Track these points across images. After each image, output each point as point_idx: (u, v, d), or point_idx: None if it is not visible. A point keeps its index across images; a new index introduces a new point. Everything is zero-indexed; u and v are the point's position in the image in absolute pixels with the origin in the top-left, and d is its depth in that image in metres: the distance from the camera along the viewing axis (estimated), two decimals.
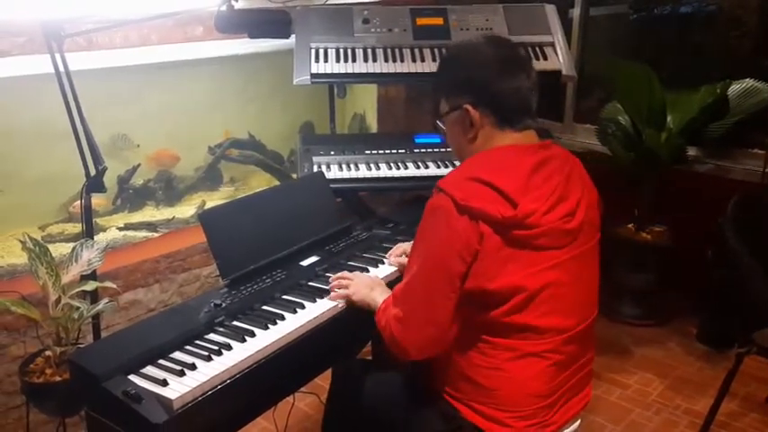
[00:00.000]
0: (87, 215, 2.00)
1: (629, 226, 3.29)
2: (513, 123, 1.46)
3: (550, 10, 2.77)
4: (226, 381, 1.45)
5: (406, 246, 1.93)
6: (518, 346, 1.40)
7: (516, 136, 1.46)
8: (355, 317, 1.69)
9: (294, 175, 3.46)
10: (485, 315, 1.39)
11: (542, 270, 1.38)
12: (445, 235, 1.36)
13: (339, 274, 1.78)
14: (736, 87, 3.02)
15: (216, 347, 1.52)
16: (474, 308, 1.39)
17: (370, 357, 2.36)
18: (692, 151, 3.18)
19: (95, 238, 2.08)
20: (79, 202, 1.98)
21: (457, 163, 1.83)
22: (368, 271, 1.90)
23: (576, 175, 1.49)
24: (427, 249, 1.41)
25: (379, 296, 1.62)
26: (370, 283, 1.71)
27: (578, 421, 1.56)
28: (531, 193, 1.37)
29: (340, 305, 1.71)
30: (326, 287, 1.80)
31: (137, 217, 3.04)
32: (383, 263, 1.96)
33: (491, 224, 1.33)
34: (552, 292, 1.39)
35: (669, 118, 3.12)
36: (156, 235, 2.99)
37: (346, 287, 1.71)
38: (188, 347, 1.53)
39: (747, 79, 3.02)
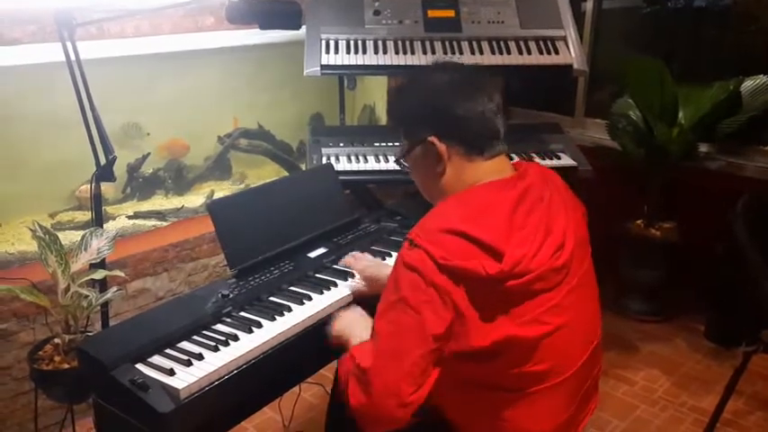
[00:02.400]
0: (97, 204, 2.01)
1: (638, 222, 3.27)
2: (483, 151, 1.36)
3: (563, 3, 2.75)
4: (232, 371, 1.45)
5: (365, 263, 1.79)
6: (520, 395, 1.32)
7: (488, 166, 1.37)
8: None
9: (303, 166, 3.47)
10: (481, 371, 1.30)
11: (539, 315, 1.28)
12: (423, 296, 1.23)
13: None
14: (749, 84, 3.00)
15: (223, 338, 1.52)
16: (469, 366, 1.29)
17: None
18: (703, 148, 3.16)
19: (105, 226, 2.09)
20: (85, 185, 1.99)
21: None
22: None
23: (556, 195, 1.40)
24: (401, 310, 1.25)
25: (355, 333, 1.48)
26: (352, 321, 1.56)
27: None
28: (515, 235, 1.26)
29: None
30: (333, 279, 1.80)
31: (146, 206, 3.05)
32: (390, 255, 1.96)
33: (475, 282, 1.22)
34: (553, 337, 1.29)
35: (681, 114, 3.10)
36: (165, 224, 3.00)
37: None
38: (195, 337, 1.54)
39: (761, 76, 3.00)
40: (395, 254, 1.94)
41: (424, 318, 1.23)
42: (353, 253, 1.83)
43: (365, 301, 1.70)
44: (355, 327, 1.52)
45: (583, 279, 1.38)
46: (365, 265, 1.77)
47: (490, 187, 1.34)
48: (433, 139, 1.36)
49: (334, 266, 1.89)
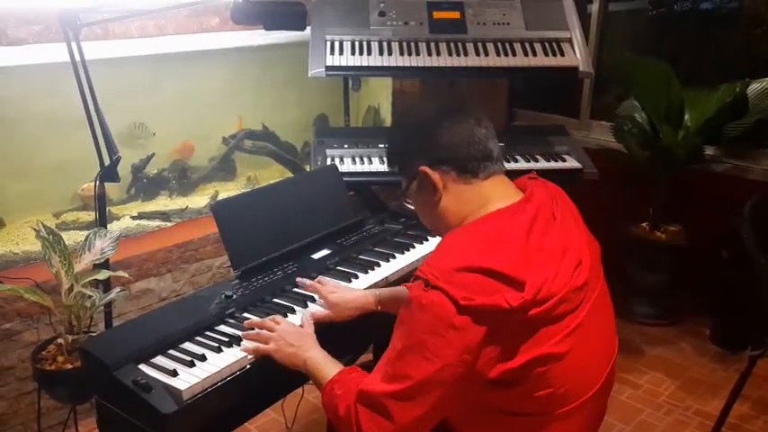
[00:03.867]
0: (101, 204, 2.01)
1: (644, 225, 3.26)
2: (477, 172, 1.32)
3: (569, 5, 2.75)
4: (235, 372, 1.45)
5: (331, 288, 1.71)
6: (541, 417, 1.28)
7: (488, 187, 1.33)
8: (363, 316, 1.69)
9: (307, 168, 3.46)
10: (503, 398, 1.26)
11: (563, 338, 1.24)
12: (443, 340, 1.18)
13: (258, 322, 1.56)
14: (755, 86, 2.98)
15: (226, 339, 1.52)
16: (490, 393, 1.25)
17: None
18: (709, 150, 3.15)
19: (109, 226, 2.09)
20: (88, 183, 1.98)
21: None
22: (379, 265, 1.90)
23: (566, 211, 1.36)
24: (419, 354, 1.20)
25: (317, 357, 1.43)
26: (296, 339, 1.49)
27: None
28: (534, 260, 1.23)
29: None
30: (335, 280, 1.80)
31: (150, 206, 3.05)
32: (394, 257, 1.95)
33: (498, 316, 1.18)
34: (575, 358, 1.25)
35: (687, 116, 3.09)
36: (169, 224, 3.00)
37: (266, 341, 1.49)
38: (198, 338, 1.53)
39: (767, 78, 2.98)
40: (398, 255, 1.96)
41: (444, 362, 1.19)
42: (319, 278, 1.77)
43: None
44: (302, 346, 1.48)
45: (601, 293, 1.35)
46: (330, 290, 1.70)
47: (500, 215, 1.29)
48: (424, 168, 1.33)
49: (338, 268, 1.89)
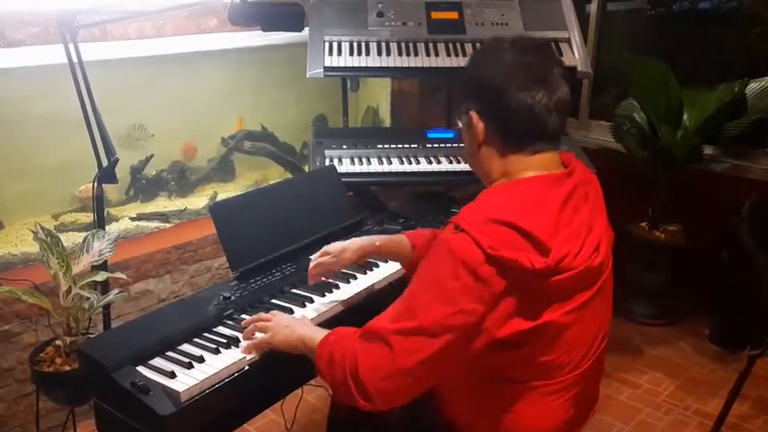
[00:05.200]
0: (99, 205, 2.01)
1: (643, 224, 3.26)
2: (522, 147, 1.31)
3: (567, 5, 2.74)
4: (233, 373, 1.45)
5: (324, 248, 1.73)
6: (531, 386, 1.30)
7: (533, 160, 1.32)
8: (362, 315, 1.68)
9: (306, 168, 3.46)
10: (499, 361, 1.28)
11: (570, 311, 1.27)
12: (460, 284, 1.19)
13: (255, 317, 1.56)
14: (754, 86, 2.98)
15: (224, 340, 1.52)
16: (489, 355, 1.26)
17: None
18: (708, 150, 3.14)
19: (108, 227, 2.08)
20: (86, 185, 1.98)
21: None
22: (377, 266, 1.90)
23: (595, 195, 1.39)
24: (435, 295, 1.22)
25: (311, 331, 1.43)
26: (291, 322, 1.51)
27: None
28: (562, 232, 1.25)
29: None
30: (335, 281, 1.79)
31: (149, 207, 3.05)
32: None
33: (519, 275, 1.19)
34: (575, 332, 1.29)
35: (686, 116, 3.09)
36: (167, 226, 3.00)
37: (263, 330, 1.50)
38: (197, 340, 1.53)
39: (766, 78, 2.98)
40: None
41: (459, 306, 1.20)
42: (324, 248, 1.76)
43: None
44: (297, 325, 1.49)
45: (606, 282, 1.37)
46: (326, 247, 1.73)
47: (539, 182, 1.30)
48: (473, 113, 1.33)
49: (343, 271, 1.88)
